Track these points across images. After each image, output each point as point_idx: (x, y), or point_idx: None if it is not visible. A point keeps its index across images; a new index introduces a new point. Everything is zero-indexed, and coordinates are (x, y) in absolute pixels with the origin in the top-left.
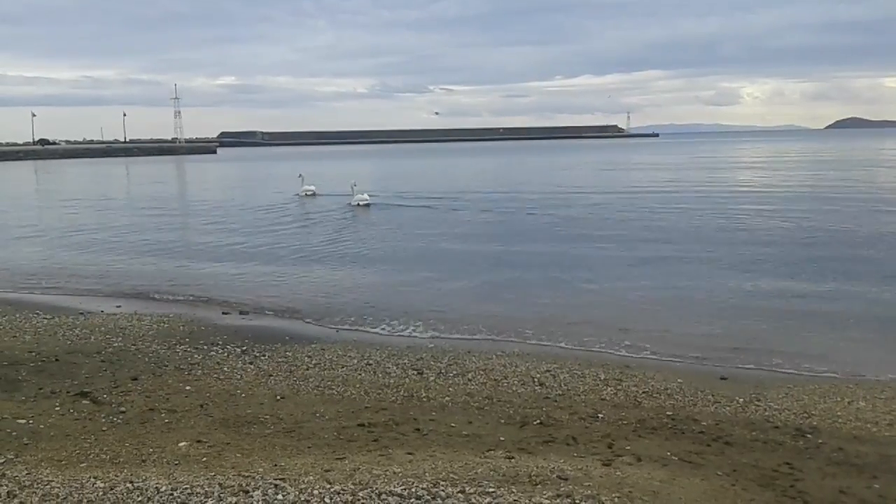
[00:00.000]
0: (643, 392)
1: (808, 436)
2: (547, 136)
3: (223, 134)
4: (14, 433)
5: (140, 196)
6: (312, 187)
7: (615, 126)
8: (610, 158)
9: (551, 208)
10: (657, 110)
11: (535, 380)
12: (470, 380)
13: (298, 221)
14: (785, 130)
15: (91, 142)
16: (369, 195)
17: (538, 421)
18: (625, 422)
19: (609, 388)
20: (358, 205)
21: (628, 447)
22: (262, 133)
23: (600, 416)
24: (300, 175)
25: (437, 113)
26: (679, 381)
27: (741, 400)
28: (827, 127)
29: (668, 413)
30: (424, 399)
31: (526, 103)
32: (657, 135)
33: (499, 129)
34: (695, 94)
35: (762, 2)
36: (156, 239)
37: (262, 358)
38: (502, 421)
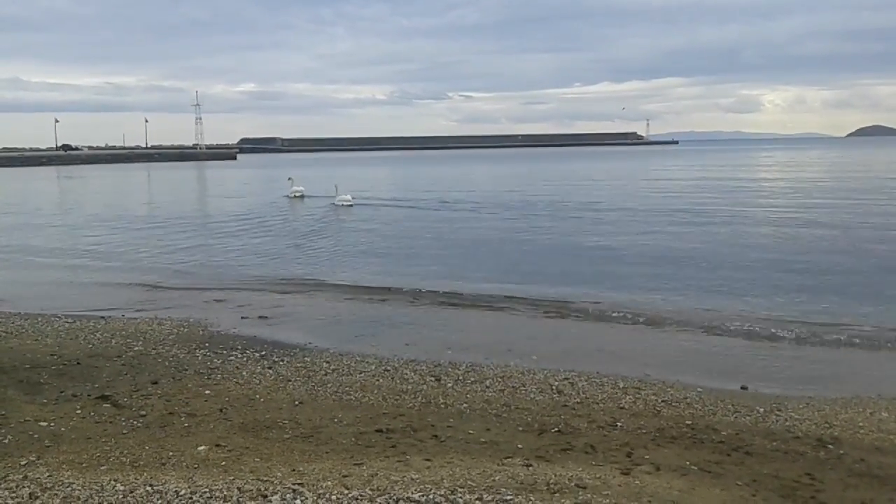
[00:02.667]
0: (662, 401)
1: (830, 446)
2: (566, 143)
3: (243, 140)
4: (36, 435)
5: (141, 203)
6: (301, 189)
7: (634, 133)
8: (629, 167)
9: (556, 211)
10: (677, 118)
11: (553, 387)
12: (488, 387)
13: (286, 221)
14: (806, 138)
15: (113, 147)
16: (352, 196)
17: (556, 429)
18: (644, 430)
19: (628, 397)
20: (341, 205)
21: (647, 456)
22: (282, 139)
23: (619, 424)
24: (290, 178)
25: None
26: (698, 389)
27: (761, 409)
28: (849, 135)
29: (687, 422)
30: (442, 405)
31: (545, 110)
32: (677, 142)
33: (518, 135)
34: (715, 101)
35: (783, 9)
36: (173, 247)
37: (281, 363)
38: (520, 428)
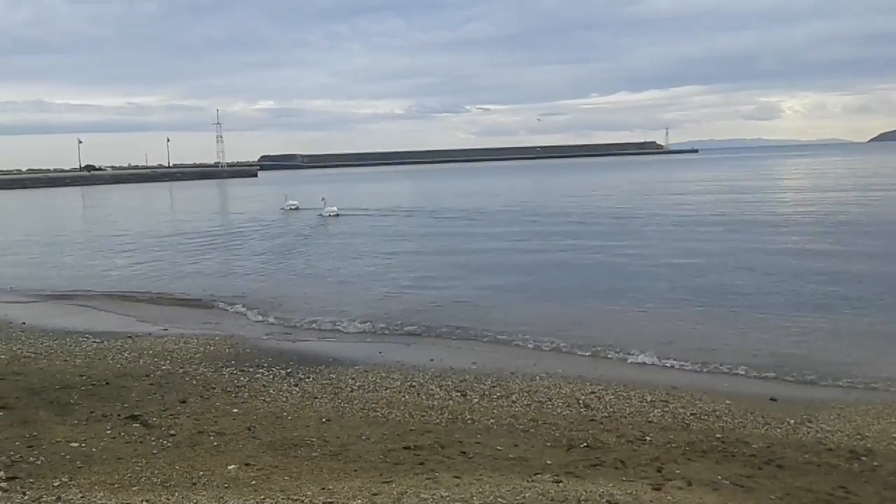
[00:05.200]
0: (691, 414)
1: (863, 458)
2: (584, 154)
3: (264, 157)
4: (67, 456)
5: (153, 221)
6: (295, 202)
7: (653, 143)
8: (648, 176)
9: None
10: (696, 126)
11: (580, 402)
12: (514, 402)
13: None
14: (827, 144)
15: (136, 167)
16: (338, 208)
17: (585, 444)
18: (673, 444)
19: (656, 410)
20: (329, 215)
21: (678, 471)
22: (302, 156)
23: (648, 438)
24: (284, 193)
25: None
26: (727, 402)
27: (792, 421)
28: (870, 140)
29: (717, 435)
30: (469, 421)
31: (562, 121)
32: (697, 151)
33: (536, 147)
34: (734, 108)
35: (799, 15)
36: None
37: (307, 380)
38: (548, 444)
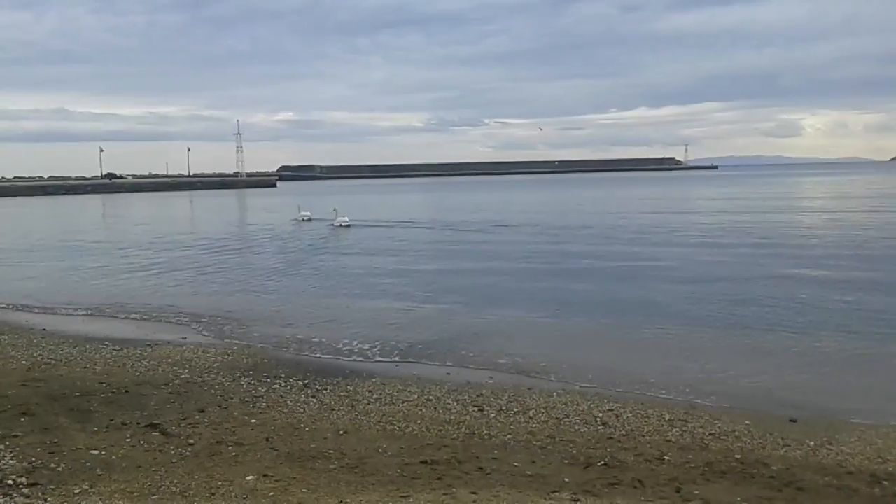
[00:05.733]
0: (710, 434)
1: (885, 483)
2: (603, 169)
3: (283, 168)
4: (88, 464)
5: (171, 228)
6: (308, 213)
7: (672, 158)
8: (667, 192)
9: (598, 242)
10: (716, 142)
11: (598, 419)
12: (531, 418)
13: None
14: (849, 163)
15: (157, 176)
16: (349, 219)
17: (602, 462)
18: (692, 465)
19: (675, 430)
20: (340, 226)
21: (696, 491)
22: (321, 167)
23: (666, 458)
24: (297, 205)
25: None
26: (746, 422)
27: (812, 443)
28: (892, 159)
29: (736, 456)
30: (486, 437)
31: (581, 136)
32: (716, 167)
33: (554, 161)
34: (754, 125)
35: (821, 33)
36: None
37: (324, 392)
38: (566, 461)
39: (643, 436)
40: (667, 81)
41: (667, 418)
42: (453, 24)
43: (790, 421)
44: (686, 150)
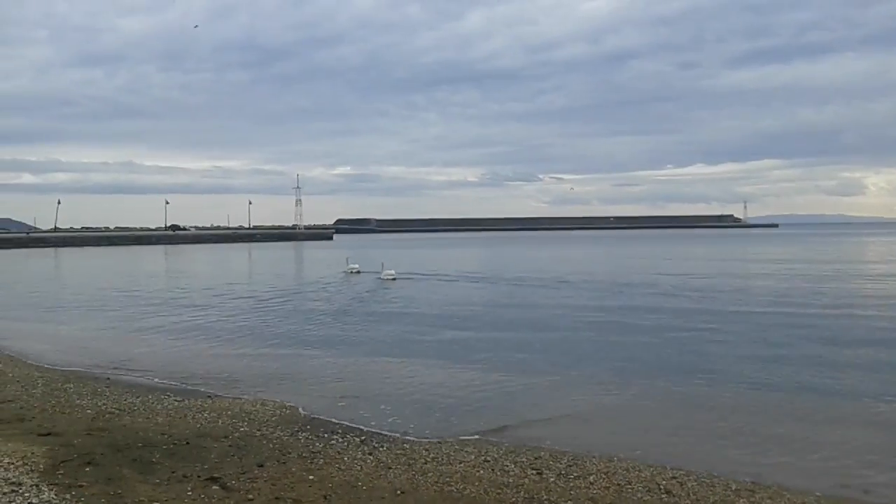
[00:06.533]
0: None
1: None
2: (659, 225)
3: (339, 221)
4: None
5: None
6: (356, 266)
7: (731, 216)
8: (728, 251)
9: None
10: (776, 200)
11: (661, 487)
12: (592, 483)
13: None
14: None
15: (218, 228)
16: (395, 272)
17: None
18: None
19: (742, 500)
20: (386, 279)
21: None
22: (376, 220)
23: None
24: (347, 257)
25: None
26: (817, 493)
27: None
28: None
29: None
30: (546, 502)
31: (637, 192)
32: (777, 225)
33: (609, 217)
34: (815, 183)
35: (881, 90)
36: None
37: (381, 449)
38: None
39: None
40: (724, 138)
41: (733, 488)
42: (508, 81)
43: (864, 492)
44: (745, 207)
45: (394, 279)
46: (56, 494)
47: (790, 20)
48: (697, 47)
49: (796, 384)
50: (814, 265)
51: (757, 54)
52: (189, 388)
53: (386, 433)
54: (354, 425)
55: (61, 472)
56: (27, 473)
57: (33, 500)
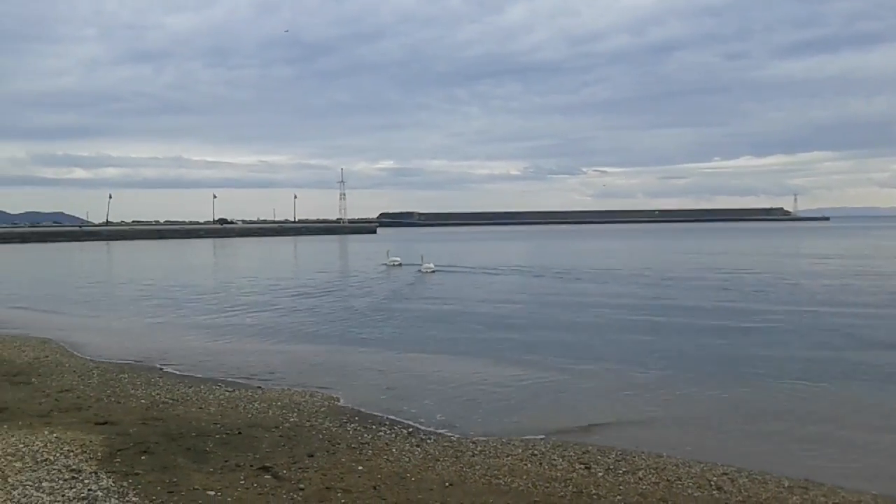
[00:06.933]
0: (833, 503)
1: None
2: (706, 219)
3: (382, 214)
4: None
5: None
6: (397, 258)
7: (781, 209)
8: (780, 244)
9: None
10: (827, 193)
11: (712, 483)
12: (641, 478)
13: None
14: None
15: (264, 221)
16: (434, 265)
17: None
18: None
19: (794, 497)
20: (426, 272)
21: None
22: (419, 214)
23: None
24: (387, 250)
25: (600, 188)
26: (873, 492)
27: None
28: None
29: None
30: (595, 496)
31: (682, 185)
32: (828, 218)
33: (654, 210)
34: (867, 175)
35: None
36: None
37: (428, 441)
38: None
39: (761, 503)
40: (772, 130)
41: (786, 485)
42: (551, 73)
43: None
44: (795, 200)
45: (433, 272)
46: (114, 482)
47: (839, 9)
48: (744, 37)
49: (851, 385)
50: (866, 260)
51: (805, 44)
52: (239, 380)
53: (432, 429)
54: (400, 419)
55: (118, 460)
56: (86, 461)
57: (93, 487)
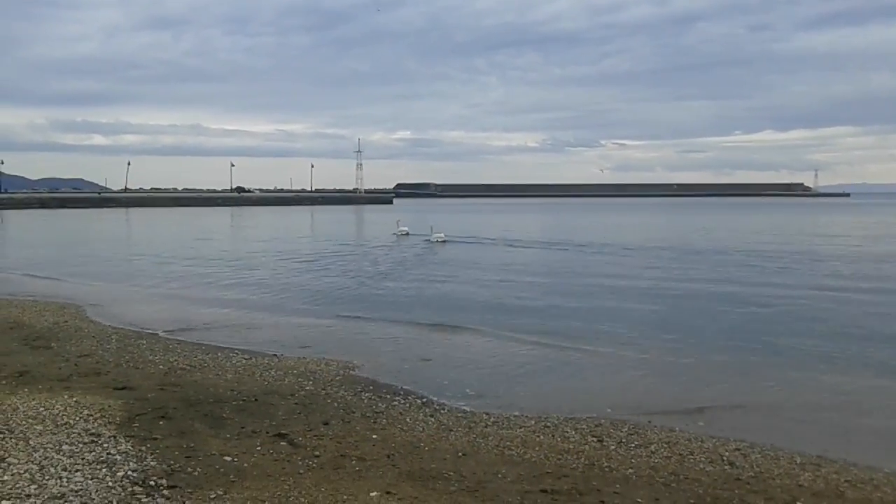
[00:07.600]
0: (846, 480)
1: None
2: (726, 193)
3: (399, 185)
4: (222, 469)
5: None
6: (406, 228)
7: (801, 184)
8: (804, 220)
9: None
10: (849, 168)
11: (724, 458)
12: (653, 452)
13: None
14: None
15: (281, 190)
16: (444, 235)
17: None
18: None
19: (807, 474)
20: (436, 241)
21: None
22: (436, 185)
23: (799, 503)
24: (397, 220)
25: (602, 170)
26: (886, 470)
27: None
28: None
29: None
30: (606, 469)
31: (702, 159)
32: (848, 195)
33: (673, 184)
34: (889, 151)
35: None
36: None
37: (442, 411)
38: (691, 501)
39: (773, 479)
40: (795, 103)
41: (798, 461)
42: (571, 44)
43: None
44: (816, 175)
45: (444, 242)
46: (132, 446)
47: None
48: (769, 8)
49: (871, 364)
50: (887, 237)
51: (831, 16)
52: (254, 348)
53: (444, 401)
54: (414, 390)
55: (137, 424)
56: (105, 425)
57: (111, 451)
